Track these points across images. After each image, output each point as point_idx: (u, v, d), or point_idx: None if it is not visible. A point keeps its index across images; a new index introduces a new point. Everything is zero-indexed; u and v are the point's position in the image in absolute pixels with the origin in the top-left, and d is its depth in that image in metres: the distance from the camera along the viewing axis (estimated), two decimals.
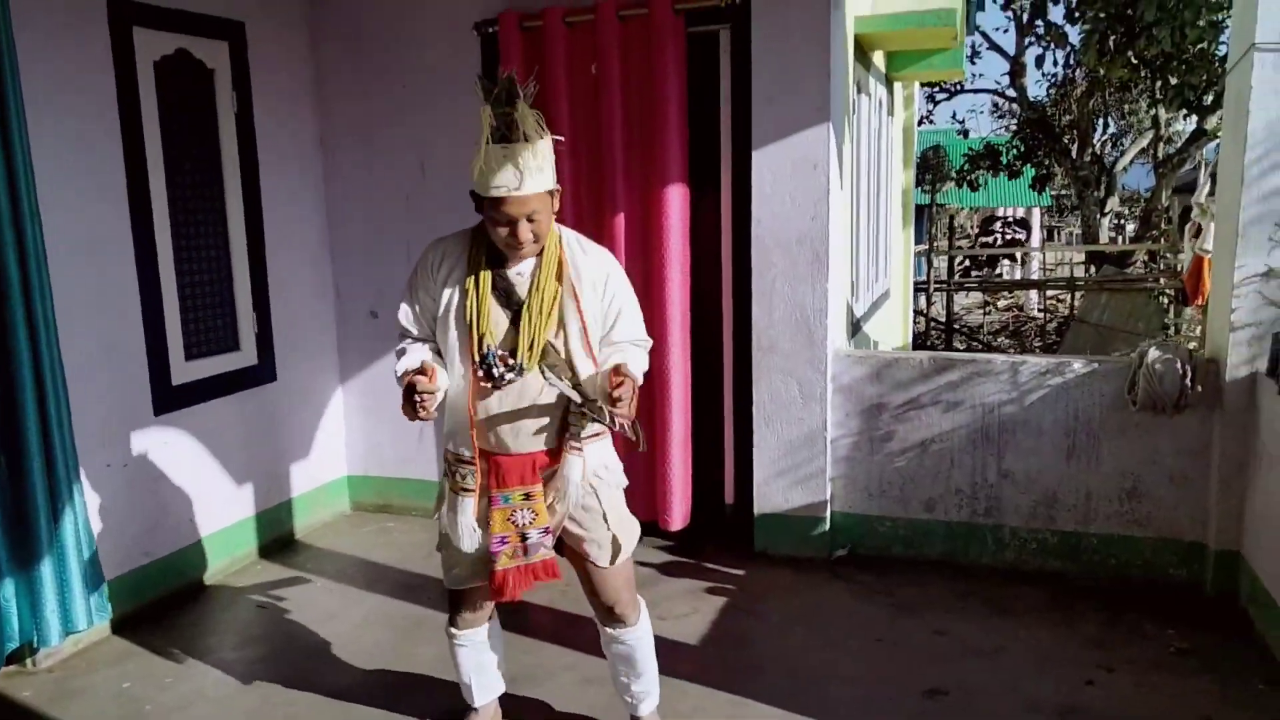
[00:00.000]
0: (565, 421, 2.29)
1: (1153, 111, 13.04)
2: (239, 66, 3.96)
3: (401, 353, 2.36)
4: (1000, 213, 20.31)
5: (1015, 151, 14.27)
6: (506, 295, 2.24)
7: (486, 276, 2.24)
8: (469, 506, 2.32)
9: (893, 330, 7.64)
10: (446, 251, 2.30)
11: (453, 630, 2.59)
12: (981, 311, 15.35)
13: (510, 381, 2.22)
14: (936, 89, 13.85)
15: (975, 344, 12.38)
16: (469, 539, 2.33)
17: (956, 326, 12.78)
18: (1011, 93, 13.25)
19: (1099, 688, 2.91)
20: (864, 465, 3.89)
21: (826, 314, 3.77)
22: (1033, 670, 3.02)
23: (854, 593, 3.64)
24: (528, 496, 2.29)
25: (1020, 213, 20.98)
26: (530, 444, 2.28)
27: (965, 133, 15.03)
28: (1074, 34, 9.84)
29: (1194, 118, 10.83)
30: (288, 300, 4.30)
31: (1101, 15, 8.35)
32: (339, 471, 4.71)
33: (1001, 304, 16.47)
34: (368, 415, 4.65)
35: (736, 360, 3.99)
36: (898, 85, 7.30)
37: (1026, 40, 12.11)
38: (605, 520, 2.38)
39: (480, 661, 2.65)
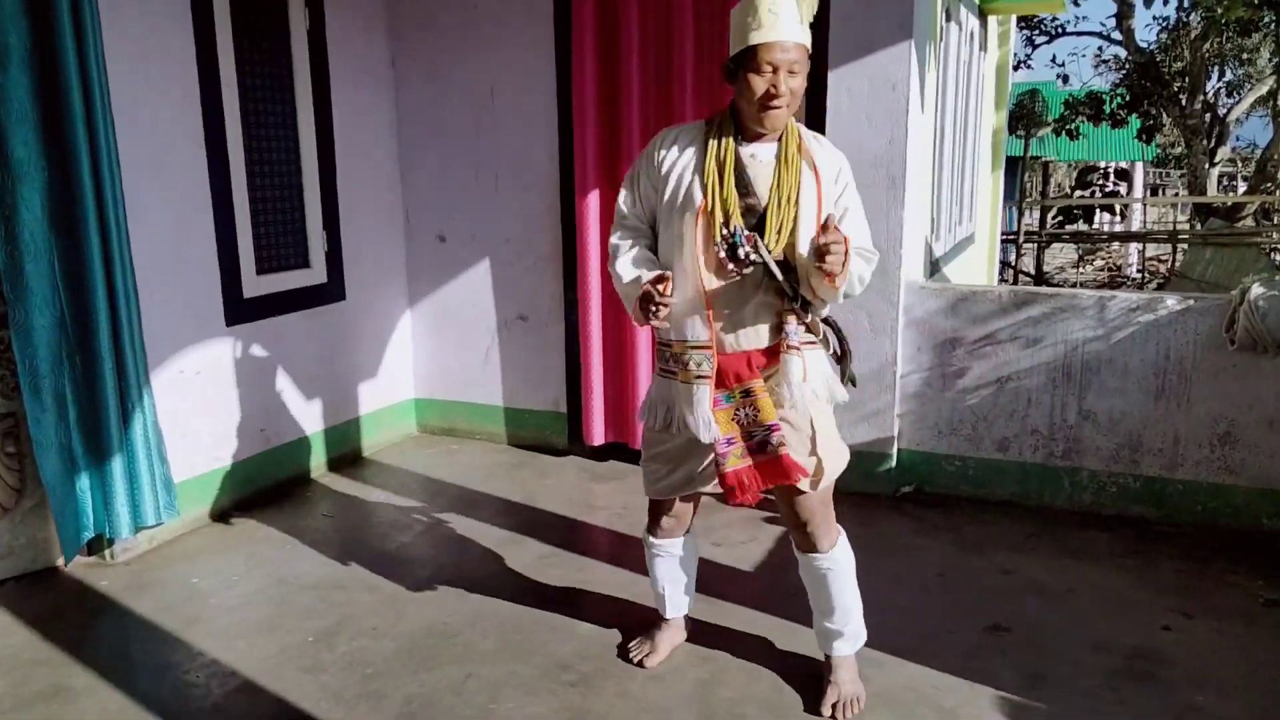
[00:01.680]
0: (781, 320, 2.20)
1: (1276, 59, 12.16)
2: None
3: (617, 250, 2.27)
4: (1100, 166, 19.32)
5: (1119, 100, 13.52)
6: (739, 176, 2.14)
7: (730, 152, 2.14)
8: (705, 395, 2.19)
9: (976, 279, 7.35)
10: (677, 138, 2.23)
11: (651, 539, 2.55)
12: (1074, 269, 14.70)
13: (754, 264, 2.11)
14: (1035, 31, 13.15)
15: None
16: (706, 429, 2.20)
17: (1048, 282, 12.27)
18: (1117, 36, 12.48)
19: (1176, 633, 2.76)
20: (934, 402, 3.75)
21: (901, 243, 3.61)
22: (1104, 612, 2.88)
23: (917, 529, 3.53)
24: (748, 394, 2.20)
25: (1122, 166, 19.94)
26: (747, 340, 2.20)
27: (1065, 79, 14.26)
28: None
29: None
30: (357, 221, 4.33)
31: None
32: (406, 394, 4.77)
33: (1097, 263, 15.75)
34: (435, 338, 4.68)
35: None
36: (992, 20, 6.93)
37: None
38: (813, 443, 2.27)
39: (675, 574, 2.60)
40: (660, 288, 2.09)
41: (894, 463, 3.81)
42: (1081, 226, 13.77)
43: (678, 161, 2.20)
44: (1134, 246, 14.17)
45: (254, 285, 3.85)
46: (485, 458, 4.45)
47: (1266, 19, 10.34)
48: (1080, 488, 3.60)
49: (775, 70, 2.04)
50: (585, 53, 3.89)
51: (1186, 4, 10.87)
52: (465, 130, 4.38)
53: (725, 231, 2.10)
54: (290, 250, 4.05)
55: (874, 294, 3.67)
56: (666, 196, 2.21)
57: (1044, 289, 3.60)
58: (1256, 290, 3.17)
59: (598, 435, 4.23)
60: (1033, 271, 11.70)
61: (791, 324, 2.18)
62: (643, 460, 2.48)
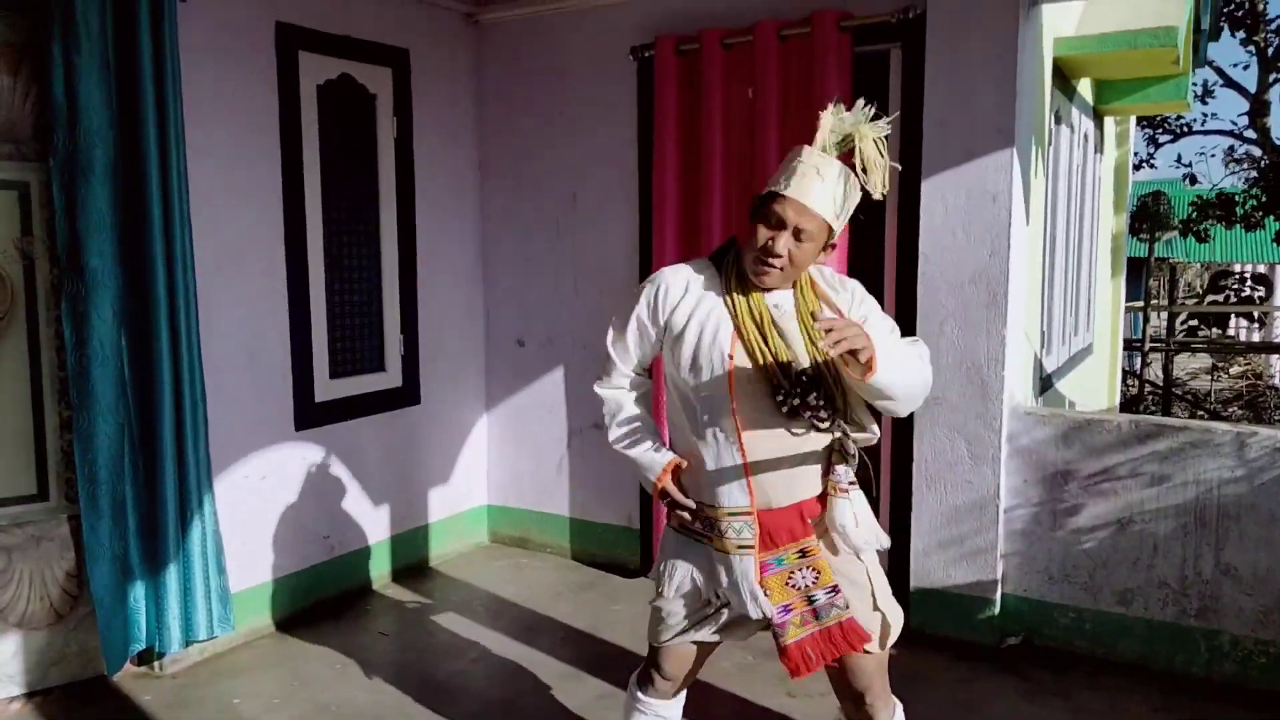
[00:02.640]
0: (829, 463, 2.00)
1: None
2: (401, 92, 4.02)
3: (614, 410, 2.14)
4: (1235, 269, 18.21)
5: (1254, 201, 12.73)
6: (776, 328, 1.98)
7: (760, 302, 1.97)
8: (750, 568, 1.97)
9: (1096, 392, 6.82)
10: (688, 282, 2.04)
11: (640, 695, 2.26)
12: (1209, 377, 13.67)
13: (818, 422, 1.93)
14: (1159, 129, 12.59)
15: (1200, 413, 10.97)
16: (755, 604, 1.97)
17: (1177, 392, 11.39)
18: (1250, 134, 11.82)
19: None
20: (1044, 542, 3.35)
21: (1003, 364, 3.29)
22: None
23: (1025, 692, 3.10)
24: (804, 553, 1.99)
25: (1261, 269, 18.73)
26: (798, 491, 1.98)
27: (1193, 179, 13.56)
28: None
29: None
30: (436, 324, 4.29)
31: None
32: (479, 500, 4.63)
33: (1234, 370, 14.64)
34: (510, 444, 4.55)
35: None
36: (1109, 120, 6.58)
37: (1272, 76, 10.78)
38: (874, 597, 2.02)
39: None
40: (675, 491, 1.99)
41: (998, 609, 3.40)
42: (1216, 333, 12.85)
43: (696, 309, 2.00)
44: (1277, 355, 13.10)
45: (326, 389, 3.81)
46: (554, 575, 4.23)
47: None
48: (1220, 655, 3.11)
49: (784, 227, 1.89)
50: (667, 160, 3.79)
51: None
52: (547, 233, 4.32)
53: (786, 386, 1.91)
54: (366, 354, 4.02)
55: (973, 419, 3.34)
56: (686, 349, 1.99)
57: (1171, 420, 3.20)
58: None
59: None
60: (1160, 380, 10.89)
61: (841, 467, 1.97)
62: (653, 601, 2.18)
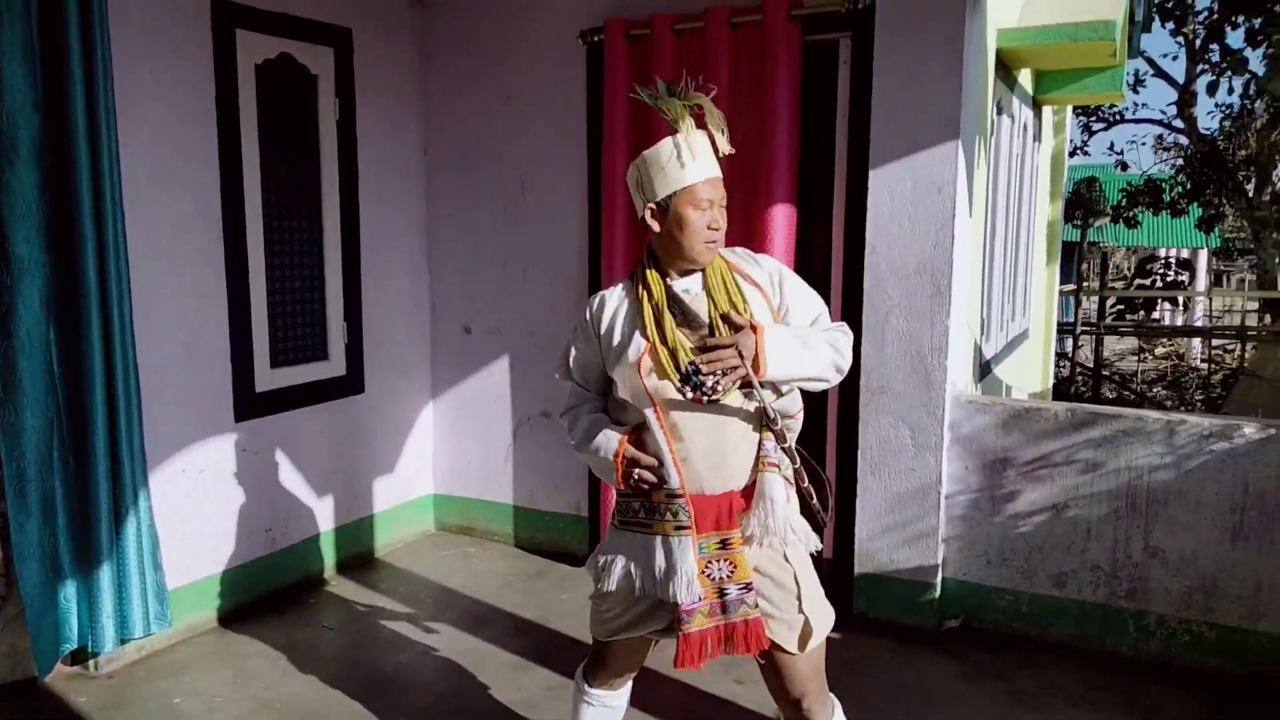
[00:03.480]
0: (760, 450, 2.03)
1: None
2: (344, 74, 3.91)
3: (572, 421, 2.16)
4: (1161, 253, 18.83)
5: (1180, 188, 13.16)
6: (684, 314, 2.03)
7: (660, 288, 2.04)
8: (688, 548, 1.98)
9: (1031, 374, 7.00)
10: (605, 298, 2.14)
11: (586, 686, 2.28)
12: (1135, 358, 14.13)
13: (720, 393, 1.96)
14: (1093, 118, 12.92)
15: (1126, 393, 11.36)
16: (688, 589, 1.97)
17: (1106, 374, 11.75)
18: (1179, 124, 12.20)
19: None
20: (983, 527, 3.44)
21: (946, 353, 3.35)
22: None
23: (964, 673, 3.19)
24: (724, 544, 2.00)
25: (1184, 254, 19.39)
26: (728, 479, 2.01)
27: (1124, 166, 13.95)
28: (1255, 59, 8.91)
29: None
30: (381, 311, 4.21)
31: None
32: (424, 490, 4.58)
33: (1159, 351, 15.16)
34: (456, 433, 4.50)
35: (842, 401, 3.61)
36: (1046, 109, 6.71)
37: (1199, 67, 11.11)
38: (799, 599, 2.03)
39: None
40: (642, 470, 2.00)
41: (938, 593, 3.49)
42: (1141, 316, 13.29)
43: (615, 317, 2.09)
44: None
45: (267, 379, 3.72)
46: (502, 564, 4.21)
47: None
48: (1147, 634, 3.23)
49: (712, 205, 2.01)
50: (617, 146, 3.76)
51: (1251, 92, 10.57)
52: (495, 219, 4.27)
53: (678, 371, 1.96)
54: (308, 342, 3.93)
55: (917, 407, 3.40)
56: (611, 354, 2.07)
57: (1106, 408, 3.30)
58: None
59: None
60: (1091, 362, 11.24)
61: (771, 442, 2.01)
62: (592, 595, 2.21)
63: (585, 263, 4.04)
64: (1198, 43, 10.92)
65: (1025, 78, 5.52)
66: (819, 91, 3.58)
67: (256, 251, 3.62)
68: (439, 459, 4.58)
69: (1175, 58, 12.18)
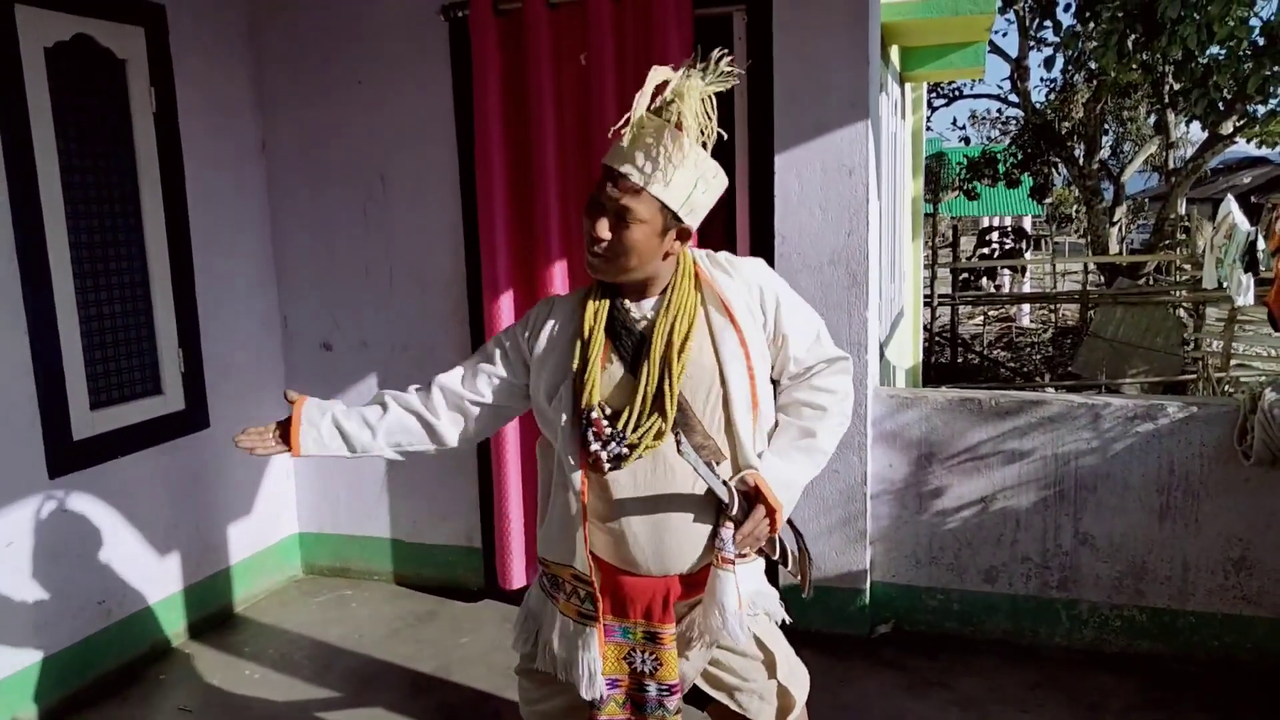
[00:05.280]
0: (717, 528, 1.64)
1: (1151, 117, 12.58)
2: (159, 58, 3.31)
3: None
4: (994, 222, 19.88)
5: (1013, 159, 13.82)
6: (628, 341, 1.61)
7: (602, 313, 1.62)
8: (593, 640, 1.68)
9: (904, 350, 7.05)
10: (556, 306, 1.71)
11: None
12: (975, 323, 14.83)
13: (617, 459, 1.56)
14: (934, 94, 13.36)
15: (972, 355, 11.90)
16: (589, 684, 1.67)
17: (962, 340, 12.23)
18: (1014, 98, 12.76)
19: None
20: (910, 526, 3.27)
21: (866, 347, 3.15)
22: None
23: (905, 684, 3.01)
24: (654, 638, 1.66)
25: (1009, 222, 20.52)
26: (670, 560, 1.64)
27: (967, 140, 14.56)
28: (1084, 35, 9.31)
29: (1198, 123, 10.35)
30: (223, 333, 3.64)
31: (1119, 14, 7.84)
32: (288, 529, 4.03)
33: (993, 314, 16.01)
34: (322, 464, 3.97)
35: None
36: (908, 86, 6.74)
37: (1030, 42, 11.61)
38: (770, 668, 1.77)
39: None
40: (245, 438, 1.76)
41: (868, 599, 3.31)
42: (985, 285, 13.93)
43: (558, 329, 1.69)
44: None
45: (87, 423, 3.11)
46: (385, 607, 3.75)
47: (1157, 76, 10.66)
48: (1080, 623, 3.15)
49: (603, 206, 1.58)
50: (490, 134, 3.35)
51: (1086, 64, 11.13)
52: (352, 222, 3.76)
53: (585, 419, 1.59)
54: (136, 375, 3.33)
55: None
56: (542, 378, 1.68)
57: (1029, 395, 3.19)
58: (1271, 396, 2.81)
59: (517, 577, 3.58)
60: (949, 335, 11.65)
61: (729, 532, 1.62)
62: (517, 669, 1.90)
63: (461, 263, 3.61)
64: (1028, 20, 11.39)
65: (895, 55, 5.45)
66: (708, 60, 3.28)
67: (62, 273, 3.00)
68: (303, 494, 4.04)
69: (1005, 34, 12.70)
